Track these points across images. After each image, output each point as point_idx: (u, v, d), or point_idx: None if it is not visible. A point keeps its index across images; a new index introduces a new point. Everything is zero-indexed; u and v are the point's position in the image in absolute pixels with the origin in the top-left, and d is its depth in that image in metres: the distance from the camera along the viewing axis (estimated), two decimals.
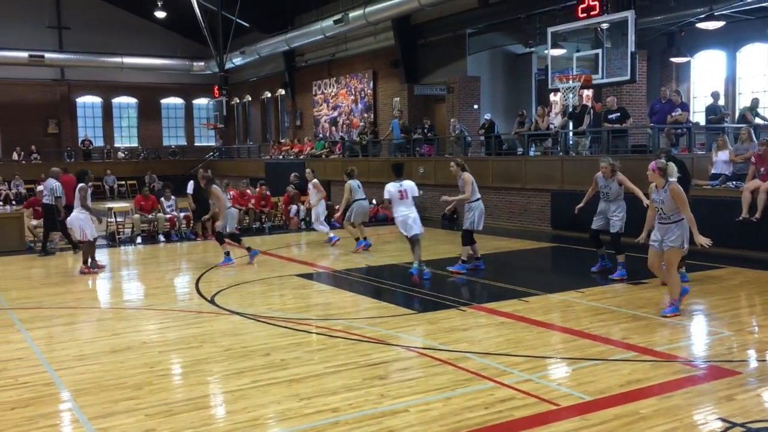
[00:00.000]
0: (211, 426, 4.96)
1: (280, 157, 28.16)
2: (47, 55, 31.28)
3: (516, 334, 7.23)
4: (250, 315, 8.29)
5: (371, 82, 25.42)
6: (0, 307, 9.11)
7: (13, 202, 27.23)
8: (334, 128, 27.94)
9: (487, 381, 5.71)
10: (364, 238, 13.62)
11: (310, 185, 14.93)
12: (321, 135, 28.41)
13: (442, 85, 22.17)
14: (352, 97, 26.64)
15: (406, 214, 10.07)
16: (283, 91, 31.60)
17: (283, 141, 30.46)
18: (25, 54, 30.54)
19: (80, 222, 11.46)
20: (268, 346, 6.91)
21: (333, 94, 27.91)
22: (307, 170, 15.54)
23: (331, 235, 14.58)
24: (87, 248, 11.72)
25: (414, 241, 10.19)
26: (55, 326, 8.26)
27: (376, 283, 9.82)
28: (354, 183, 13.72)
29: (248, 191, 17.84)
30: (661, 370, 5.94)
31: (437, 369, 6.08)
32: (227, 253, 12.09)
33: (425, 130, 20.76)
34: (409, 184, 10.33)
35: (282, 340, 7.16)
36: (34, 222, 15.13)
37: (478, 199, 10.97)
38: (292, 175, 19.64)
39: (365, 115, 25.72)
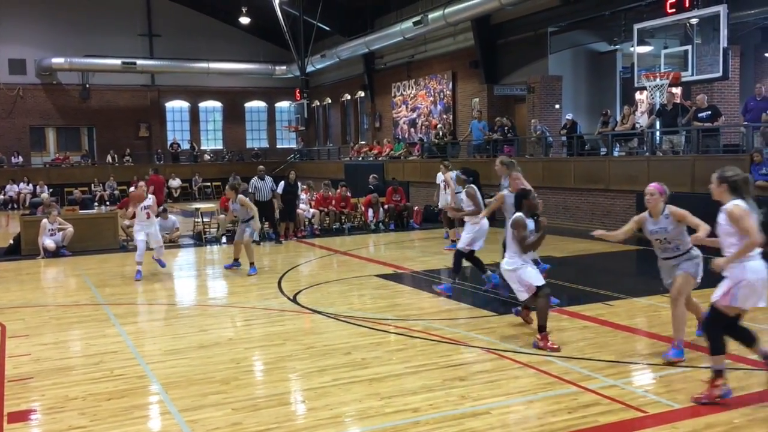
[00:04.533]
0: (294, 422, 5.07)
1: (360, 158, 28.44)
2: (139, 62, 32.68)
3: (600, 338, 7.07)
4: (331, 314, 8.42)
5: (450, 83, 25.34)
6: (96, 303, 9.58)
7: (108, 203, 28.54)
8: (413, 130, 28.00)
9: (570, 385, 5.60)
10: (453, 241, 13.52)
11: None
12: (400, 136, 28.53)
13: (523, 85, 21.87)
14: (431, 99, 26.62)
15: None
16: (362, 93, 31.90)
17: (362, 143, 30.75)
18: (118, 61, 32.01)
19: None
20: (349, 345, 7.00)
21: (412, 95, 27.97)
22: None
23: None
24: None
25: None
26: (147, 321, 8.64)
27: (456, 284, 9.78)
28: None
29: (330, 193, 18.09)
30: (755, 378, 5.67)
31: (518, 372, 6.01)
32: (252, 264, 11.71)
33: (506, 131, 20.53)
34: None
35: (362, 340, 7.24)
36: (128, 222, 15.82)
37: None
38: (371, 176, 19.82)
39: (444, 116, 25.65)
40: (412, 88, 27.89)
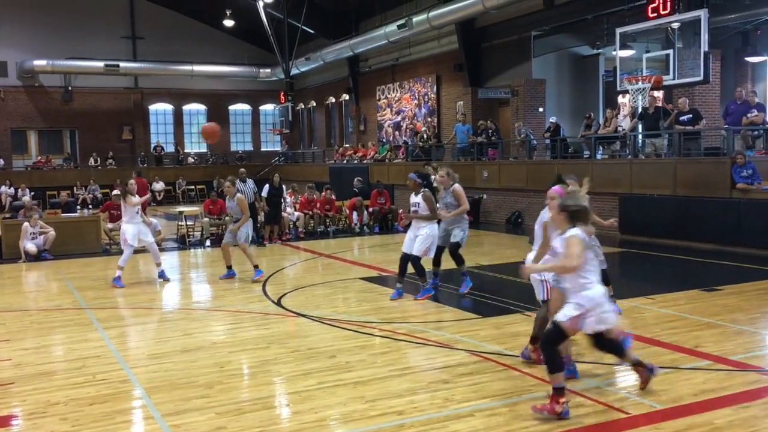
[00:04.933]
0: (279, 425, 5.06)
1: (344, 161, 28.43)
2: (122, 64, 32.49)
3: (583, 340, 7.09)
4: (315, 317, 8.41)
5: (435, 87, 25.41)
6: (78, 307, 9.50)
7: (90, 206, 28.31)
8: (397, 133, 28.04)
9: None
10: None
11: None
12: (384, 139, 28.56)
13: (507, 89, 21.97)
14: (416, 102, 26.69)
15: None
16: (347, 96, 31.91)
17: (347, 146, 30.75)
18: (101, 63, 31.79)
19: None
20: (334, 348, 6.99)
21: (397, 98, 28.02)
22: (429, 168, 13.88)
23: None
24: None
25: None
26: (130, 326, 8.58)
27: (441, 287, 9.80)
28: None
29: (314, 196, 18.07)
30: (736, 379, 5.73)
31: (503, 374, 6.03)
32: (256, 266, 11.31)
33: (489, 134, 20.61)
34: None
35: (347, 343, 7.23)
36: (110, 225, 15.71)
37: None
38: (356, 179, 19.83)
39: (429, 119, 25.72)
40: (397, 91, 27.94)
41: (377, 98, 29.37)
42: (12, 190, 28.71)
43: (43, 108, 33.00)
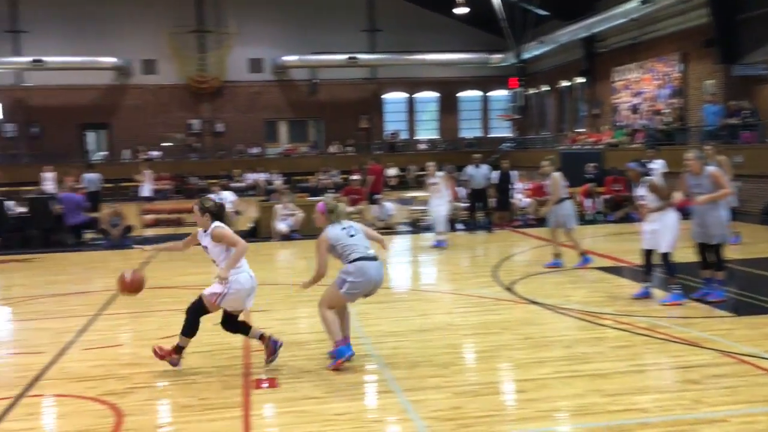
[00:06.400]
0: (514, 411, 5.06)
1: (576, 147, 27.50)
2: (361, 56, 34.35)
3: None
4: (548, 305, 8.26)
5: (680, 65, 23.53)
6: (324, 284, 10.22)
7: (333, 191, 30.34)
8: (635, 116, 26.47)
9: None
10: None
11: None
12: (621, 123, 27.12)
13: (766, 65, 19.70)
14: (657, 82, 24.95)
15: None
16: (581, 79, 30.76)
17: (579, 130, 29.70)
18: (343, 57, 33.91)
19: None
20: (569, 338, 6.82)
21: (635, 79, 26.42)
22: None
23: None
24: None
25: None
26: (367, 303, 8.99)
27: (685, 280, 9.10)
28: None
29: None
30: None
31: (762, 379, 5.47)
32: (583, 253, 10.85)
33: (744, 115, 18.67)
34: None
35: (582, 334, 7.02)
36: (350, 208, 16.72)
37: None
38: (589, 165, 19.10)
39: (672, 100, 23.92)
40: (636, 71, 26.33)
41: (613, 80, 27.93)
42: (266, 176, 31.74)
43: (292, 100, 35.98)
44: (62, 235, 15.37)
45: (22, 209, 15.99)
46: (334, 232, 6.20)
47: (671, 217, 8.26)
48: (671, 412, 4.85)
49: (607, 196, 17.69)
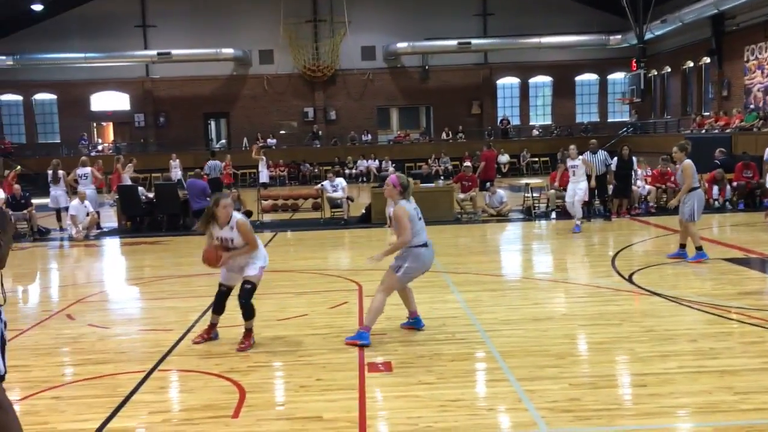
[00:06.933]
0: (636, 406, 4.87)
1: (703, 131, 26.02)
2: (473, 41, 33.90)
3: None
4: (671, 297, 7.89)
5: None
6: (436, 270, 10.24)
7: (442, 177, 30.28)
8: None
9: None
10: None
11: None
12: (752, 106, 25.39)
13: None
14: None
15: None
16: (708, 59, 29.01)
17: (706, 114, 28.07)
18: (454, 42, 33.59)
19: None
20: (695, 332, 6.49)
21: None
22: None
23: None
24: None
25: None
26: (481, 291, 8.98)
27: None
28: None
29: (668, 169, 16.88)
30: None
31: None
32: (699, 248, 10.03)
33: None
34: None
35: (710, 328, 6.66)
36: (462, 195, 16.63)
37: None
38: (717, 150, 18.04)
39: None
40: None
41: (745, 59, 26.16)
42: (377, 162, 32.07)
43: (403, 86, 36.08)
44: (187, 220, 16.19)
45: (151, 195, 16.98)
46: (409, 208, 6.40)
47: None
48: None
49: (736, 184, 16.65)
